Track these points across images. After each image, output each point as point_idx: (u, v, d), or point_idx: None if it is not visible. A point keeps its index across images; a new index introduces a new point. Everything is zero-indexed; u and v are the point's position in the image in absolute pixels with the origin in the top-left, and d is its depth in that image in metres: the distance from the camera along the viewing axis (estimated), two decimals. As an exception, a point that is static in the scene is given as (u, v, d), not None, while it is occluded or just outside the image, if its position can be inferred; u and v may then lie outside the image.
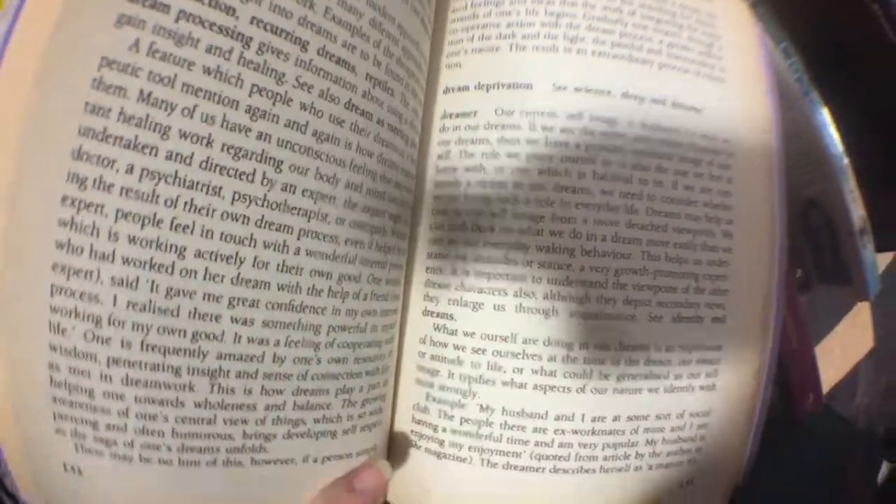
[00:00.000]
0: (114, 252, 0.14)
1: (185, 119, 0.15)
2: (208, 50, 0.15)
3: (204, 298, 0.15)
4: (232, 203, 0.15)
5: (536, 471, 0.20)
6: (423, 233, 0.22)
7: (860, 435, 0.36)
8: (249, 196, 0.16)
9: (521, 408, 0.19)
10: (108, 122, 0.14)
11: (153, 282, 0.15)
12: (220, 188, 0.15)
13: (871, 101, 0.34)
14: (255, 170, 0.16)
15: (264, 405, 0.17)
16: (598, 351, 0.19)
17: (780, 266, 0.23)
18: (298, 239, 0.17)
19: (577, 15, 0.22)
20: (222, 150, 0.15)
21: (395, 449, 0.22)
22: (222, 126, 0.15)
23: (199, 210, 0.15)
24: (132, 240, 0.14)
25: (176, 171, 0.15)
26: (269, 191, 0.16)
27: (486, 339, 0.20)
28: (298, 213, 0.17)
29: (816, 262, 0.38)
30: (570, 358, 0.19)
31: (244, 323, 0.16)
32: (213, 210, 0.15)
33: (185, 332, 0.15)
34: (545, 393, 0.19)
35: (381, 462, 0.21)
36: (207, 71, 0.15)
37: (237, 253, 0.16)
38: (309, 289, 0.17)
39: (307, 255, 0.17)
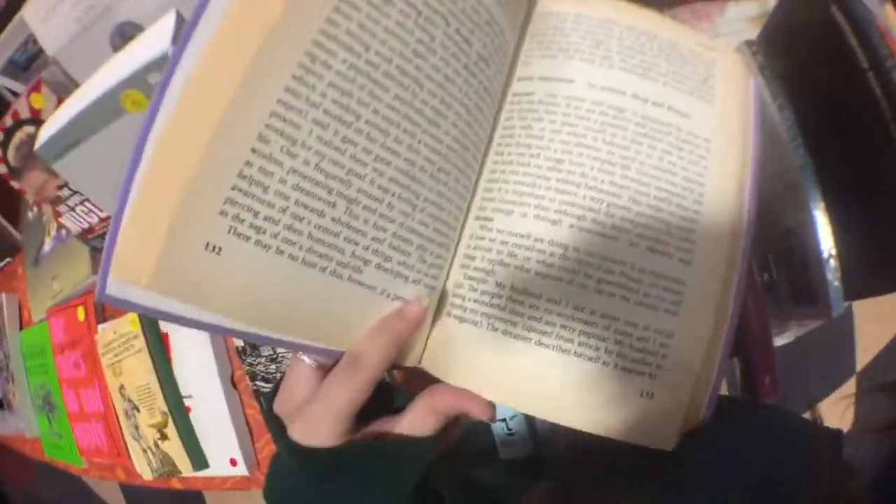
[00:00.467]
0: (320, 106, 0.24)
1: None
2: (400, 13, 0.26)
3: (362, 150, 0.25)
4: (392, 100, 0.26)
5: (525, 340, 0.28)
6: (486, 166, 0.31)
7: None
8: (404, 98, 0.26)
9: (523, 287, 0.28)
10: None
11: (336, 129, 0.25)
12: (388, 90, 0.26)
13: (852, 156, 0.42)
14: (409, 85, 0.26)
15: (372, 236, 0.26)
16: (587, 256, 0.28)
17: (746, 242, 0.31)
18: (423, 134, 0.27)
19: (613, 40, 0.32)
20: (394, 73, 0.26)
21: (438, 316, 0.30)
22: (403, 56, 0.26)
23: (374, 96, 0.25)
24: (335, 102, 0.24)
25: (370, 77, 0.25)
26: (413, 99, 0.26)
27: (510, 235, 0.29)
28: (427, 121, 0.27)
29: (791, 282, 0.45)
30: (565, 257, 0.28)
31: (379, 174, 0.26)
32: (382, 100, 0.26)
33: (344, 166, 0.25)
34: (543, 279, 0.28)
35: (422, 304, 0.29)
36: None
37: (387, 129, 0.26)
38: (420, 167, 0.27)
39: (425, 146, 0.27)
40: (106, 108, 0.47)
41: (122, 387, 0.67)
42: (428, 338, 0.30)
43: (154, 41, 0.45)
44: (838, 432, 0.42)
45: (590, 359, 0.28)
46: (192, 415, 0.65)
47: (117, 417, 0.71)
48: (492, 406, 0.29)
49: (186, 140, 0.22)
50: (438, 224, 0.29)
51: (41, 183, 0.68)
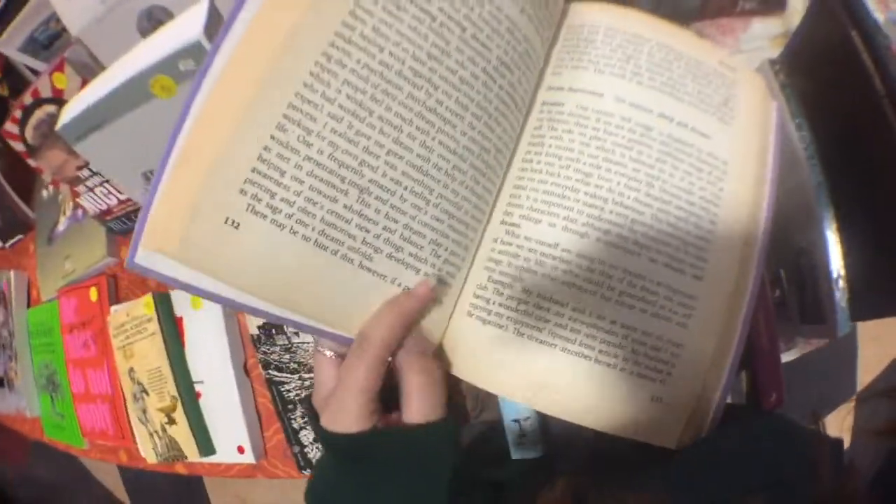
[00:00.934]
0: (335, 101, 0.27)
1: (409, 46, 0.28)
2: (413, 18, 0.28)
3: (374, 143, 0.28)
4: (405, 98, 0.28)
5: (550, 346, 0.30)
6: (512, 171, 0.33)
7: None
8: (417, 98, 0.29)
9: (550, 295, 0.30)
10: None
11: (350, 123, 0.27)
12: (401, 89, 0.28)
13: (865, 178, 0.44)
14: (423, 85, 0.29)
15: (383, 226, 0.28)
16: (611, 269, 0.30)
17: (759, 264, 0.33)
18: (437, 133, 0.29)
19: (643, 56, 0.34)
20: (411, 74, 0.28)
21: (455, 315, 0.33)
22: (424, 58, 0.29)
23: (388, 94, 0.28)
24: (349, 98, 0.27)
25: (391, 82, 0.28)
26: (427, 98, 0.29)
27: (538, 244, 0.31)
28: (442, 120, 0.29)
29: (800, 300, 0.47)
30: (591, 269, 0.30)
31: (391, 167, 0.28)
32: (395, 98, 0.28)
33: (357, 157, 0.27)
34: (569, 289, 0.30)
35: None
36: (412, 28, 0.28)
37: (399, 125, 0.28)
38: (434, 164, 0.29)
39: (439, 144, 0.29)
40: (134, 92, 0.50)
41: (131, 369, 0.70)
42: (443, 336, 0.33)
43: (186, 28, 0.47)
44: (839, 441, 0.44)
45: (608, 365, 0.30)
46: (201, 400, 0.67)
47: (124, 400, 0.74)
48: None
49: (214, 125, 0.26)
50: (454, 222, 0.31)
51: (60, 163, 0.70)
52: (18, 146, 0.75)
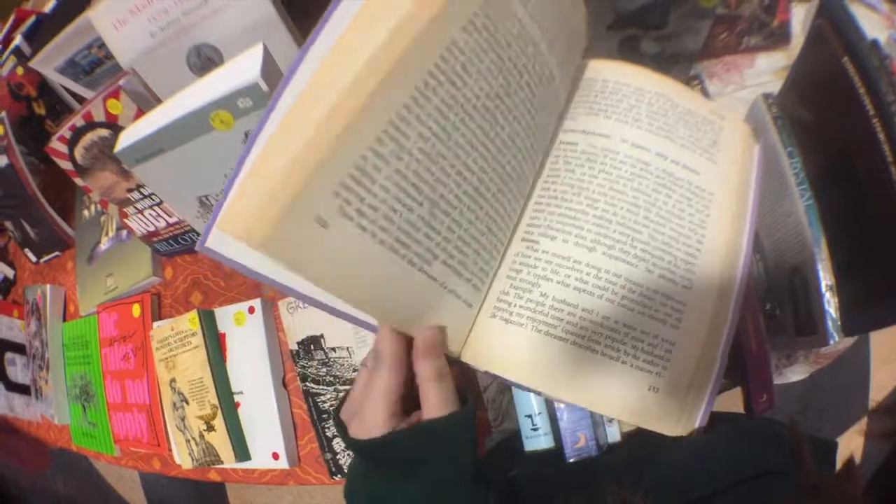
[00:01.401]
0: (425, 123, 0.33)
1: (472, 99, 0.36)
2: (491, 62, 0.36)
3: (449, 164, 0.35)
4: (476, 128, 0.36)
5: (563, 340, 0.39)
6: (533, 196, 0.43)
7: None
8: (484, 128, 0.36)
9: (563, 298, 0.39)
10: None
11: (434, 144, 0.34)
12: (474, 119, 0.36)
13: (856, 197, 0.51)
14: (489, 118, 0.37)
15: (444, 236, 0.36)
16: (615, 277, 0.39)
17: (742, 275, 0.42)
18: (492, 160, 0.38)
19: (643, 106, 0.44)
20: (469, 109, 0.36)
21: (480, 317, 0.41)
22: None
23: (465, 122, 0.35)
24: (436, 122, 0.34)
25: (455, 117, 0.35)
26: (490, 129, 0.37)
27: (553, 256, 0.40)
28: (497, 150, 0.38)
29: (794, 315, 0.56)
30: (598, 276, 0.39)
31: (458, 185, 0.36)
32: (469, 126, 0.36)
33: (434, 174, 0.35)
34: (580, 293, 0.39)
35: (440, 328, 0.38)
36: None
37: (468, 150, 0.36)
38: (486, 186, 0.38)
39: (492, 170, 0.38)
40: (195, 124, 0.59)
41: (173, 380, 0.79)
42: (468, 336, 0.41)
43: (244, 69, 0.57)
44: (833, 443, 0.52)
45: (612, 358, 0.39)
46: (240, 410, 0.76)
47: (162, 409, 0.83)
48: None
49: (322, 129, 0.30)
50: (491, 237, 0.40)
51: (110, 184, 0.81)
52: (66, 165, 0.84)
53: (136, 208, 0.79)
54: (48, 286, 1.04)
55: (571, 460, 0.57)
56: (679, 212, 0.41)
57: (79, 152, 0.83)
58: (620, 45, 0.62)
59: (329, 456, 0.72)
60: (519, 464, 0.61)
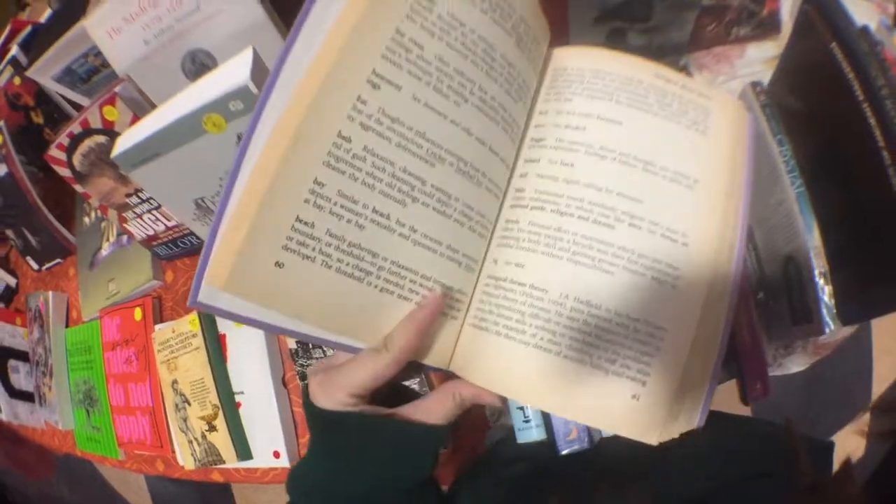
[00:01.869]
0: (389, 139, 0.35)
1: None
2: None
3: (407, 174, 0.36)
4: (418, 161, 0.36)
5: (539, 347, 0.38)
6: (505, 205, 0.42)
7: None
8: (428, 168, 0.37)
9: (535, 312, 0.38)
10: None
11: (373, 183, 0.35)
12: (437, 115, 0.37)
13: (847, 183, 0.51)
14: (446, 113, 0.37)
15: (392, 261, 0.36)
16: (596, 289, 0.38)
17: (737, 268, 0.42)
18: (443, 178, 0.38)
19: (622, 93, 0.43)
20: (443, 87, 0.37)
21: (465, 329, 0.41)
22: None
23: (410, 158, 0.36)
24: (399, 140, 0.35)
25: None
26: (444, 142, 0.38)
27: (521, 270, 0.40)
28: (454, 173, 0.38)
29: (790, 304, 0.56)
30: (577, 296, 0.39)
31: (413, 207, 0.36)
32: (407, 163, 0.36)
33: (379, 211, 0.35)
34: (553, 305, 0.38)
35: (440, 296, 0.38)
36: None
37: (411, 183, 0.36)
38: (450, 205, 0.38)
39: (455, 187, 0.38)
40: (188, 127, 0.60)
41: (175, 381, 0.80)
42: (455, 346, 0.41)
43: (234, 73, 0.58)
44: (830, 444, 0.52)
45: (588, 364, 0.38)
46: (241, 410, 0.77)
47: (165, 411, 0.84)
48: (503, 400, 0.40)
49: (256, 188, 0.32)
50: (466, 248, 0.40)
51: (108, 189, 0.82)
52: (64, 172, 0.85)
53: (134, 213, 0.80)
54: (50, 293, 1.05)
55: (564, 453, 0.57)
56: (664, 201, 0.41)
57: (77, 159, 0.84)
58: (607, 38, 0.62)
59: (330, 454, 0.72)
60: (518, 460, 0.62)
